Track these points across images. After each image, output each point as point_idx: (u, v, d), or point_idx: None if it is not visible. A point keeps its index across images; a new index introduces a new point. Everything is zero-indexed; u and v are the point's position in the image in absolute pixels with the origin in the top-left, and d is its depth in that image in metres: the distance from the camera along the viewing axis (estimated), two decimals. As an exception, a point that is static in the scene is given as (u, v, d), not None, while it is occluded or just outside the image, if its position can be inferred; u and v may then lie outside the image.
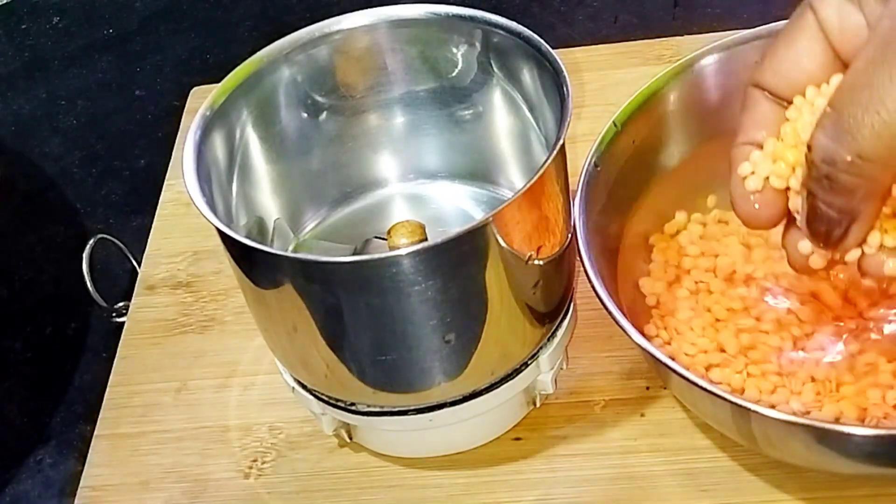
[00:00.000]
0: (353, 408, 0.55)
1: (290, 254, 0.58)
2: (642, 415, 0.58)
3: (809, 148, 0.41)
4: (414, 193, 0.63)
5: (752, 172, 0.45)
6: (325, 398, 0.56)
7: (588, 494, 0.56)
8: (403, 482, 0.58)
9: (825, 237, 0.42)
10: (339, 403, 0.55)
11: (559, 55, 0.53)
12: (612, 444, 0.58)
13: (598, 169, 0.57)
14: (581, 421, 0.59)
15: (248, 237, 0.52)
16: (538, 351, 0.55)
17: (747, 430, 0.51)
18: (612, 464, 0.57)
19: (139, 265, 0.71)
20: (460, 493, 0.57)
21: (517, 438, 0.58)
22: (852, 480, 0.54)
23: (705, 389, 0.48)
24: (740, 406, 0.48)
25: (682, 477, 0.56)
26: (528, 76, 0.56)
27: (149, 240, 0.72)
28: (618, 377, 0.60)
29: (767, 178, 0.45)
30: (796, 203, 0.44)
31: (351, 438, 0.59)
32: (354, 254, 0.58)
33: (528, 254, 0.51)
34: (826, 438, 0.48)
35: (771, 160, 0.45)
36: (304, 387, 0.56)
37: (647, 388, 0.59)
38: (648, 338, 0.56)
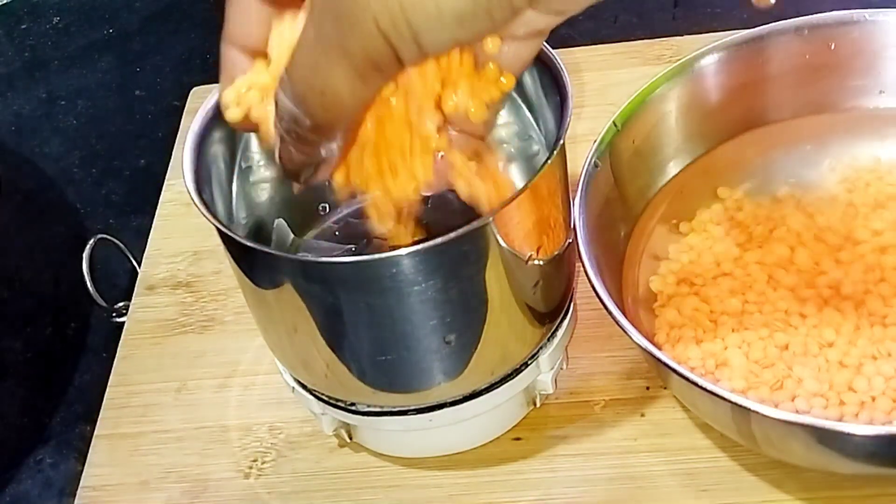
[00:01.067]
0: (353, 408, 0.55)
1: (290, 254, 0.58)
2: (642, 415, 0.58)
3: (276, 103, 0.41)
4: (414, 193, 0.63)
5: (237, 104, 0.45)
6: (325, 398, 0.56)
7: (588, 494, 0.56)
8: (403, 482, 0.58)
9: (296, 176, 0.43)
10: (339, 403, 0.55)
11: (559, 55, 0.53)
12: (612, 444, 0.57)
13: (598, 169, 0.57)
14: (581, 421, 0.59)
15: (248, 237, 0.52)
16: (538, 351, 0.55)
17: (747, 430, 0.51)
18: (612, 464, 0.57)
19: (139, 265, 0.71)
20: (460, 493, 0.57)
21: (517, 438, 0.58)
22: (852, 480, 0.54)
23: (705, 389, 0.48)
24: (740, 406, 0.48)
25: (682, 477, 0.56)
26: (528, 76, 0.56)
27: (149, 240, 0.72)
28: (618, 377, 0.60)
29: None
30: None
31: (351, 438, 0.58)
32: (354, 254, 0.58)
33: (528, 254, 0.51)
34: (826, 438, 0.48)
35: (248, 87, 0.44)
36: (304, 387, 0.56)
37: (647, 388, 0.59)
38: (651, 337, 0.56)
